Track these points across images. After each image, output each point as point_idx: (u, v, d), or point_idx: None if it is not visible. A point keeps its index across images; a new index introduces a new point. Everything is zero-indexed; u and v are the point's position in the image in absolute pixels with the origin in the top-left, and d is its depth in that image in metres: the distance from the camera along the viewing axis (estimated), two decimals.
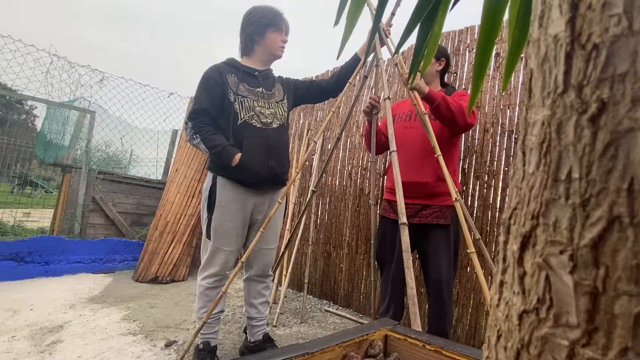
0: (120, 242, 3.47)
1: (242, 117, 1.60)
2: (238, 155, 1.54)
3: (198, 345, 1.63)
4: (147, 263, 3.12)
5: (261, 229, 1.52)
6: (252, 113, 1.62)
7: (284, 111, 1.73)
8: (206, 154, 1.60)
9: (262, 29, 1.66)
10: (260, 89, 1.68)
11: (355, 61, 1.79)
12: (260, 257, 1.71)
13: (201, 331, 1.59)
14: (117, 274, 3.24)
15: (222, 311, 1.67)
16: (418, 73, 1.65)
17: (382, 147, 1.92)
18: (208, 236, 1.62)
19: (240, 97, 1.61)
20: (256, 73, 1.70)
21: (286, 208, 1.90)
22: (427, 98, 1.55)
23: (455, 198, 1.40)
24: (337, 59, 0.78)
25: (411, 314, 1.16)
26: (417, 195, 1.71)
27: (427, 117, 1.55)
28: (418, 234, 1.73)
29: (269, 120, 1.65)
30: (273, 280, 2.07)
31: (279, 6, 1.73)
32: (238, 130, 1.59)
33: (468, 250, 1.35)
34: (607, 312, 0.20)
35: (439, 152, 1.46)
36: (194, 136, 1.57)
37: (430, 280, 1.70)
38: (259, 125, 1.62)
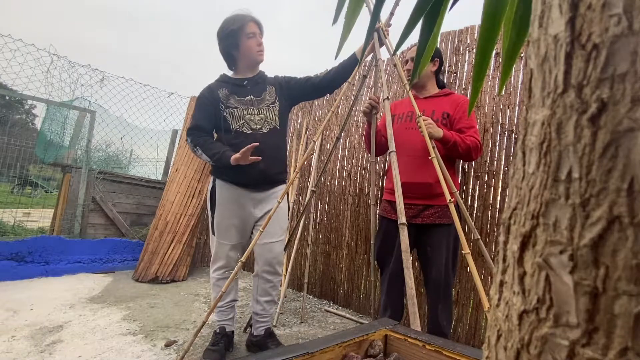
0: (120, 242, 3.47)
1: (234, 126, 1.72)
2: (234, 157, 1.63)
3: (215, 330, 1.79)
4: (147, 263, 3.12)
5: (261, 229, 1.55)
6: (242, 121, 1.73)
7: (275, 115, 1.79)
8: (209, 162, 1.74)
9: (234, 41, 1.71)
10: (249, 97, 1.76)
11: (352, 61, 1.80)
12: (265, 252, 1.78)
13: (217, 318, 1.79)
14: (117, 274, 3.24)
15: (235, 300, 1.82)
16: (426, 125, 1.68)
17: (382, 147, 1.91)
18: (213, 232, 1.78)
19: (230, 108, 1.73)
20: (245, 82, 1.77)
21: (288, 203, 1.97)
22: (442, 140, 1.61)
23: (450, 200, 1.40)
24: (336, 58, 0.78)
25: (410, 314, 1.16)
26: (419, 195, 1.71)
27: (423, 123, 1.55)
28: (419, 234, 1.73)
29: (258, 126, 1.74)
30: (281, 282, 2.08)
31: (245, 8, 1.77)
32: (232, 139, 1.71)
33: (464, 252, 1.34)
34: (607, 312, 0.20)
35: (433, 155, 1.46)
36: (195, 148, 1.72)
37: (430, 280, 1.70)
38: (249, 132, 1.73)
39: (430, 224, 1.69)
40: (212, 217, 1.76)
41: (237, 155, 1.59)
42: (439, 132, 1.59)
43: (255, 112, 1.74)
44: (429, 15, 0.55)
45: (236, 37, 1.70)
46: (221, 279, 1.75)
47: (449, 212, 1.66)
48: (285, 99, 1.84)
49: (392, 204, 1.81)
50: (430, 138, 1.53)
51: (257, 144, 1.59)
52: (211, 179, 1.79)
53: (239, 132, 1.71)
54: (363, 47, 1.55)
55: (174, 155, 3.98)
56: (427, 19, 0.55)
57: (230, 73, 1.83)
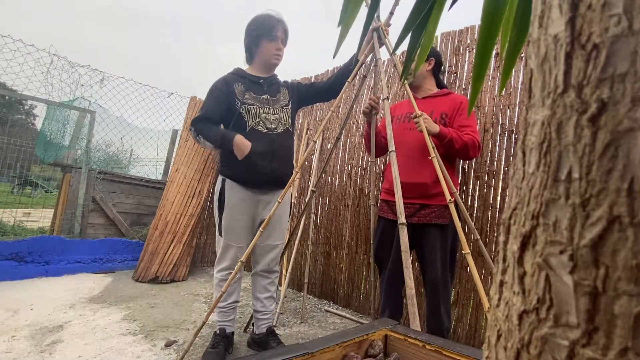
0: (120, 242, 3.47)
1: (249, 124, 1.72)
2: (238, 136, 1.64)
3: (215, 331, 1.78)
4: (147, 263, 3.12)
5: (260, 229, 1.56)
6: (258, 119, 1.74)
7: (288, 116, 1.82)
8: (213, 149, 1.74)
9: (256, 40, 1.76)
10: (265, 96, 1.78)
11: (352, 62, 1.82)
12: (265, 253, 1.81)
13: (218, 319, 1.77)
14: (117, 274, 3.24)
15: (237, 301, 1.81)
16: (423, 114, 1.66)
17: (382, 149, 1.91)
18: (220, 233, 1.76)
19: (246, 105, 1.73)
20: (261, 81, 1.79)
21: (291, 205, 1.99)
22: (438, 136, 1.61)
23: (450, 200, 1.40)
24: (334, 58, 0.78)
25: (410, 314, 1.16)
26: (416, 195, 1.71)
27: (422, 120, 1.55)
28: (416, 234, 1.72)
29: (273, 126, 1.76)
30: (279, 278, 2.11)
31: (277, 11, 1.80)
32: (246, 136, 1.70)
33: (463, 252, 1.34)
34: (607, 312, 0.20)
35: (433, 155, 1.46)
36: (198, 137, 1.70)
37: (427, 279, 1.69)
38: (264, 131, 1.73)
39: (426, 224, 1.69)
40: (220, 218, 1.74)
41: (245, 143, 1.63)
42: (435, 127, 1.61)
43: (271, 112, 1.76)
44: (425, 18, 0.55)
45: (259, 37, 1.74)
46: (224, 279, 1.75)
47: (446, 213, 1.66)
48: (296, 102, 1.89)
49: (389, 203, 1.81)
50: (427, 134, 1.53)
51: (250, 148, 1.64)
52: (220, 179, 1.77)
53: (255, 129, 1.72)
54: (358, 46, 1.55)
55: (174, 155, 3.98)
56: (422, 20, 0.56)
57: (245, 67, 1.85)
